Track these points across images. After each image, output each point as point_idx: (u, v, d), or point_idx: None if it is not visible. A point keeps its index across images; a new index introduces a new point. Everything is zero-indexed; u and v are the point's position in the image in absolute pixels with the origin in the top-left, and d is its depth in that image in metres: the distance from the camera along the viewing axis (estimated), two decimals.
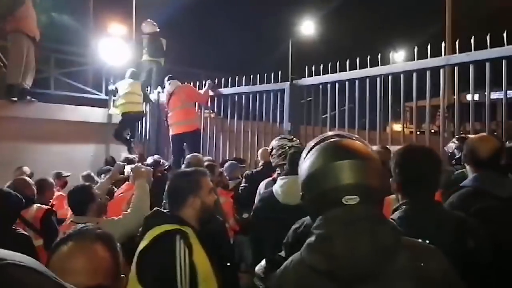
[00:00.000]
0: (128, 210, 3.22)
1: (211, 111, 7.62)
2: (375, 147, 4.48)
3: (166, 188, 2.42)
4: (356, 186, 1.20)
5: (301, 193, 1.34)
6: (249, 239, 3.62)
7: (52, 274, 0.62)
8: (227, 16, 16.07)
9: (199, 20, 14.48)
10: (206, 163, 4.56)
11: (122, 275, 1.32)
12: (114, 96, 8.22)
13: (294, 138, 4.11)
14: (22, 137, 7.37)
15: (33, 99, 7.57)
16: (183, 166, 4.65)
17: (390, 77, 5.19)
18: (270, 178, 3.91)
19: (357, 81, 5.47)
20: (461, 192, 2.31)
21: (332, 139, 1.32)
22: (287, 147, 3.76)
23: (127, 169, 3.94)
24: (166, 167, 5.61)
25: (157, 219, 2.27)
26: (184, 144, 6.95)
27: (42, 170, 5.82)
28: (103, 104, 8.78)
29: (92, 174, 5.85)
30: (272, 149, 3.89)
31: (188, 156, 4.93)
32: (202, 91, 7.24)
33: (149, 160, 5.48)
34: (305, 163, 1.32)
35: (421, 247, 1.23)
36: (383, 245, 1.15)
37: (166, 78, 7.38)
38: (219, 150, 7.32)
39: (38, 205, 3.94)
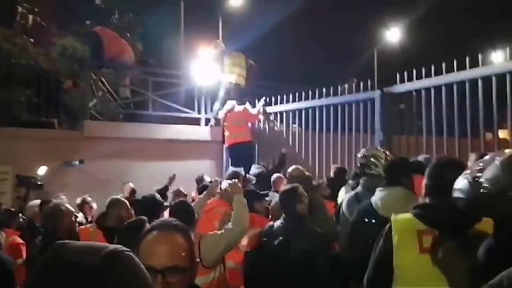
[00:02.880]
0: (229, 225, 3.31)
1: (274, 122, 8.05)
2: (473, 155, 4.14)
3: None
4: None
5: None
6: (349, 251, 3.51)
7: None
8: (310, 31, 16.11)
9: (282, 37, 14.67)
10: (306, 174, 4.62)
11: (197, 260, 1.57)
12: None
13: (381, 149, 4.07)
14: (126, 156, 7.97)
15: None
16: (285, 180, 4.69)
17: (493, 78, 4.80)
18: (352, 193, 3.81)
19: (455, 85, 5.14)
20: None
21: None
22: (372, 158, 3.72)
23: (224, 184, 4.04)
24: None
25: None
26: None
27: (144, 186, 6.23)
28: (196, 122, 9.18)
29: (181, 189, 6.09)
30: (359, 159, 3.86)
31: (290, 169, 4.93)
32: (254, 110, 7.98)
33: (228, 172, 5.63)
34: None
35: None
36: None
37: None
38: (307, 163, 7.26)
39: None
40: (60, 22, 10.92)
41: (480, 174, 1.31)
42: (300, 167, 5.13)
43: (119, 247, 0.77)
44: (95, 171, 7.73)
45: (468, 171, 1.40)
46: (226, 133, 8.13)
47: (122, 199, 4.51)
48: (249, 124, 8.20)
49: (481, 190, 1.30)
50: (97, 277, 0.69)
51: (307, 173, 4.95)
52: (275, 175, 5.91)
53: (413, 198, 2.75)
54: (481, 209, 1.28)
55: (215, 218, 4.18)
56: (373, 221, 2.82)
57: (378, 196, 3.03)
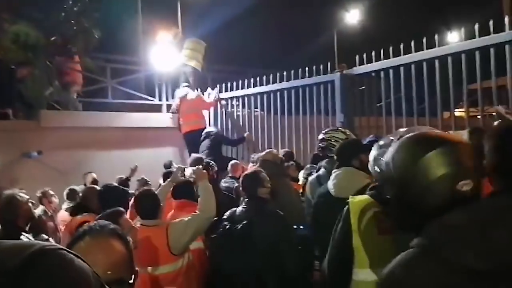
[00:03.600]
0: (196, 211, 3.29)
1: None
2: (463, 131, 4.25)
3: None
4: (464, 170, 1.12)
5: (390, 196, 1.22)
6: (312, 233, 3.56)
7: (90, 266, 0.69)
8: (270, 15, 16.09)
9: (242, 22, 14.58)
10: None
11: (136, 268, 1.33)
12: None
13: (341, 129, 4.09)
14: (86, 145, 7.76)
15: None
16: (253, 162, 4.64)
17: (449, 58, 4.94)
18: (315, 175, 3.86)
19: (413, 66, 5.25)
20: None
21: (415, 133, 1.22)
22: (332, 140, 3.75)
23: (188, 171, 3.99)
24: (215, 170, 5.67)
25: None
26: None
27: (105, 176, 6.08)
28: (157, 109, 9.02)
29: (146, 178, 5.99)
30: (320, 141, 3.89)
31: (263, 153, 4.86)
32: (209, 100, 8.03)
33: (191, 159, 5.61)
34: (393, 165, 1.19)
35: None
36: None
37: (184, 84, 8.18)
38: (270, 147, 7.27)
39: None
40: (10, 8, 10.40)
41: (379, 156, 1.31)
42: (274, 151, 5.08)
43: (50, 245, 0.67)
44: (55, 162, 7.48)
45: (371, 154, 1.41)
46: (181, 121, 8.08)
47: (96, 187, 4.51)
48: (204, 112, 8.17)
49: (375, 174, 1.30)
50: (13, 280, 0.59)
51: (279, 157, 4.94)
52: (232, 161, 5.92)
53: (364, 178, 2.77)
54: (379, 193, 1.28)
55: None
56: (331, 203, 2.85)
57: (331, 178, 3.09)
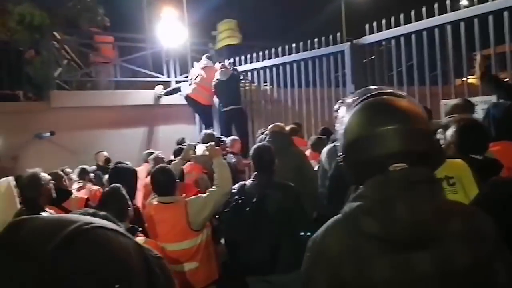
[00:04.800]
0: (213, 187, 3.31)
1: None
2: (455, 101, 4.21)
3: None
4: (404, 153, 1.15)
5: (341, 156, 1.27)
6: (328, 203, 3.58)
7: (133, 237, 0.65)
8: None
9: None
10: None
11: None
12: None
13: None
14: (97, 124, 7.80)
15: None
16: (266, 136, 4.62)
17: (461, 23, 4.82)
18: (332, 144, 3.87)
19: (424, 33, 5.14)
20: None
21: (375, 98, 1.22)
22: None
23: (200, 148, 3.99)
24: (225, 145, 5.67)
25: None
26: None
27: (117, 154, 6.14)
28: (166, 86, 8.99)
29: (160, 154, 6.01)
30: (336, 111, 3.88)
31: (270, 126, 4.84)
32: None
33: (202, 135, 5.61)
34: (347, 126, 1.23)
35: (469, 209, 1.23)
36: (441, 208, 1.14)
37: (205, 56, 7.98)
38: (282, 121, 7.24)
39: (75, 195, 4.17)
40: None
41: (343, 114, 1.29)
42: (281, 124, 5.07)
43: (90, 221, 0.60)
44: (67, 142, 7.56)
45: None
46: (197, 89, 7.74)
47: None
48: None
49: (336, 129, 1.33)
50: (47, 265, 0.53)
51: (287, 129, 4.95)
52: (230, 137, 5.92)
53: None
54: None
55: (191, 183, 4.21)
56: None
57: None
